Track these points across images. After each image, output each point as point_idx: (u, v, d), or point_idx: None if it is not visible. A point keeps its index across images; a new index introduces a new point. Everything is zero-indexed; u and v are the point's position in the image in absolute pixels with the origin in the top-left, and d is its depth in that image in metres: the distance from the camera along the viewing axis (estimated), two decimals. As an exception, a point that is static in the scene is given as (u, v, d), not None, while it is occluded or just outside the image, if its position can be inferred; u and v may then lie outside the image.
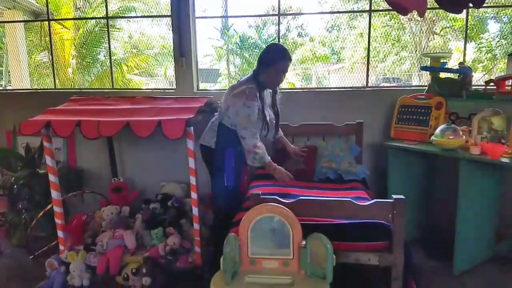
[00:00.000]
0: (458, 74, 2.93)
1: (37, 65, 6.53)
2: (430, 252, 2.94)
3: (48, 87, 4.50)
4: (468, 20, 3.36)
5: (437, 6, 2.01)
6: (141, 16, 5.95)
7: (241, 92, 2.42)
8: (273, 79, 2.49)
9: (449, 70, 2.96)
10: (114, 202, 3.06)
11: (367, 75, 3.38)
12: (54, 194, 2.63)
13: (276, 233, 1.82)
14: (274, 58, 2.46)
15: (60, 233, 2.66)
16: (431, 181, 3.20)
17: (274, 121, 2.67)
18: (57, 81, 4.00)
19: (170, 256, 2.50)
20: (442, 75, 3.05)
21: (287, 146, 2.91)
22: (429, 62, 3.06)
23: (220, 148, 2.56)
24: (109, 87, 4.01)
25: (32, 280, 2.65)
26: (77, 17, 6.93)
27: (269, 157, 2.50)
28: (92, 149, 3.60)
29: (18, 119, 2.56)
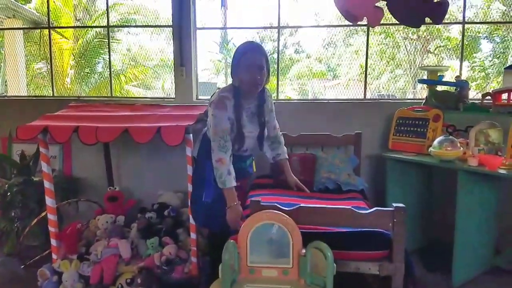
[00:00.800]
0: (455, 87, 2.96)
1: (35, 76, 6.52)
2: (429, 264, 2.92)
3: (46, 95, 4.48)
4: (464, 37, 3.42)
5: (431, 23, 2.05)
6: (142, 26, 5.99)
7: (212, 100, 2.17)
8: (245, 79, 2.10)
9: (446, 83, 3.00)
10: (110, 211, 3.02)
11: (365, 87, 3.42)
12: (49, 201, 2.60)
13: (276, 241, 1.79)
14: (239, 53, 2.14)
15: (53, 242, 2.61)
16: (429, 193, 3.21)
17: (256, 133, 2.29)
18: (55, 90, 3.99)
19: (166, 266, 2.46)
20: (439, 88, 3.08)
21: (287, 176, 2.54)
22: (426, 75, 3.09)
23: (200, 159, 2.35)
24: (108, 95, 4.00)
25: (24, 289, 2.59)
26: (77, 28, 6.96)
27: (234, 183, 2.09)
28: (89, 157, 3.58)
29: (14, 126, 2.52)
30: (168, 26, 3.70)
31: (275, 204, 1.93)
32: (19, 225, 3.11)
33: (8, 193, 3.13)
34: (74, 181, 3.57)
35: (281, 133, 2.54)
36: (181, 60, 3.46)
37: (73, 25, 6.67)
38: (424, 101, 3.11)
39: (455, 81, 2.95)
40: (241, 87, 2.15)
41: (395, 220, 1.82)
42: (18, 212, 3.19)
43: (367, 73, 3.43)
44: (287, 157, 2.53)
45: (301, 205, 1.95)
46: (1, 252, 3.17)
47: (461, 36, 3.46)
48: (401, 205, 1.83)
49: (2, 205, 3.14)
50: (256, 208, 1.87)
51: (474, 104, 2.82)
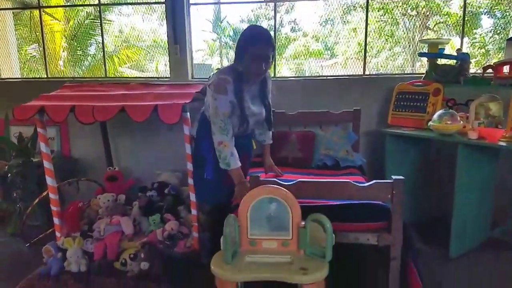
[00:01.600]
0: (455, 61, 2.94)
1: (28, 59, 6.44)
2: (427, 237, 2.95)
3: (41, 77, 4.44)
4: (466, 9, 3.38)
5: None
6: (134, 3, 5.89)
7: (212, 83, 2.15)
8: (251, 67, 2.08)
9: (447, 56, 2.97)
10: (110, 191, 3.02)
11: (364, 62, 3.39)
12: (49, 180, 2.60)
13: (275, 215, 1.81)
14: (249, 43, 2.08)
15: (56, 220, 2.63)
16: (428, 168, 3.22)
17: (262, 116, 2.33)
18: (48, 72, 3.95)
19: (168, 241, 2.48)
20: (440, 61, 3.05)
21: (265, 158, 2.63)
22: (426, 49, 3.06)
23: (199, 138, 2.39)
24: (102, 76, 3.97)
25: (29, 267, 2.61)
26: (67, 9, 6.82)
27: (238, 163, 2.15)
28: (86, 138, 3.57)
29: (11, 108, 2.51)
30: (161, 2, 3.63)
31: (275, 179, 1.95)
32: (21, 206, 3.13)
33: (8, 175, 3.14)
34: (73, 162, 3.58)
35: (273, 109, 2.52)
36: (175, 38, 3.40)
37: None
38: (424, 75, 3.08)
39: (456, 54, 2.92)
40: (244, 72, 2.13)
41: (394, 192, 1.84)
42: (20, 193, 3.21)
43: (366, 50, 3.40)
44: (271, 142, 2.62)
45: (300, 179, 1.97)
46: (5, 232, 3.20)
47: (461, 12, 3.40)
48: (400, 177, 1.85)
49: (3, 186, 3.16)
50: (256, 184, 1.89)
51: (475, 77, 2.81)
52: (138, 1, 6.25)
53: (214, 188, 2.31)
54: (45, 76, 3.95)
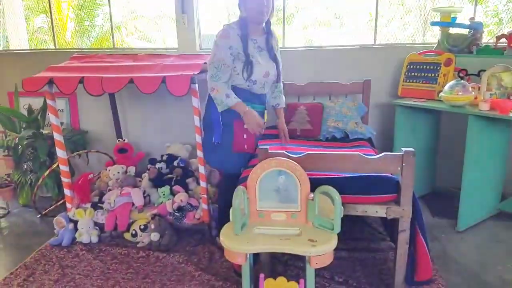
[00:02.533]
0: (468, 30, 2.85)
1: (35, 31, 6.37)
2: (435, 210, 2.96)
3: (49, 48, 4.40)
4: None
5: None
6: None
7: (218, 32, 2.19)
8: (252, 6, 2.12)
9: (460, 25, 2.87)
10: (120, 163, 3.07)
11: (375, 31, 3.30)
12: (60, 152, 2.64)
13: (284, 187, 1.82)
14: None
15: (67, 191, 2.68)
16: (438, 140, 3.20)
17: (272, 71, 2.29)
18: (56, 44, 3.92)
19: (178, 212, 2.53)
20: (452, 30, 2.96)
21: (280, 122, 2.59)
22: (439, 17, 2.97)
23: (208, 102, 2.33)
24: (110, 47, 3.93)
25: (41, 237, 2.69)
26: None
27: (237, 99, 2.16)
28: (95, 111, 3.58)
29: (20, 80, 2.51)
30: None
31: (283, 152, 1.94)
32: (32, 177, 3.18)
33: (19, 146, 3.17)
34: (82, 134, 3.60)
35: (282, 81, 2.52)
36: (182, 7, 3.33)
37: (69, -26, 6.40)
38: (436, 45, 3.00)
39: (468, 23, 2.83)
40: (248, 16, 2.16)
41: (403, 164, 1.82)
42: (30, 165, 3.26)
43: (377, 18, 3.30)
44: (284, 106, 2.58)
45: (309, 152, 1.96)
46: (17, 203, 3.27)
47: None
48: (410, 149, 1.82)
49: (14, 158, 3.20)
50: (264, 156, 1.89)
51: (488, 46, 2.72)
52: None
53: (223, 154, 2.30)
54: (53, 47, 3.91)
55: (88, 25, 6.81)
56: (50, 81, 2.42)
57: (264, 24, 2.24)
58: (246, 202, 1.80)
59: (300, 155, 1.90)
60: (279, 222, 1.82)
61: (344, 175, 1.96)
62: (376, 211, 1.92)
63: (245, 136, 2.28)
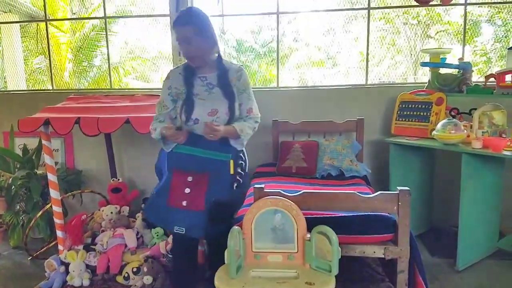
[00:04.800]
0: (458, 70, 2.93)
1: (33, 71, 6.50)
2: (433, 249, 2.92)
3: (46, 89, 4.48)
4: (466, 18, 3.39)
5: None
6: (140, 16, 5.95)
7: None
8: (184, 54, 1.99)
9: (449, 66, 2.96)
10: (114, 203, 3.02)
11: (367, 72, 3.39)
12: (53, 193, 2.61)
13: (280, 227, 1.80)
14: (173, 29, 2.01)
15: (59, 233, 2.63)
16: (433, 178, 3.20)
17: (223, 106, 1.96)
18: (54, 84, 3.98)
19: (171, 254, 2.46)
20: (442, 71, 3.05)
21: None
22: (428, 58, 3.07)
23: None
24: (107, 88, 3.99)
25: (31, 280, 2.61)
26: (73, 22, 6.91)
27: (162, 124, 1.97)
28: (90, 150, 3.58)
29: (16, 120, 2.52)
30: (166, 15, 3.66)
31: (279, 190, 1.93)
32: (25, 218, 3.12)
33: (12, 187, 3.14)
34: (76, 174, 3.57)
35: (258, 118, 2.07)
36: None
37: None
38: (426, 84, 3.08)
39: (458, 63, 2.93)
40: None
41: (400, 203, 1.82)
42: (23, 206, 3.21)
43: (368, 60, 3.40)
44: (237, 129, 1.94)
45: (305, 190, 1.96)
46: (8, 245, 3.19)
47: (462, 20, 3.41)
48: (405, 188, 1.83)
49: (6, 198, 3.15)
50: (260, 195, 1.88)
51: (477, 86, 2.80)
52: (143, 14, 6.33)
53: (157, 206, 1.98)
54: (51, 87, 3.96)
55: (86, 66, 6.96)
56: (46, 122, 2.43)
57: (214, 60, 2.03)
58: (242, 243, 1.77)
59: (296, 194, 1.90)
60: (276, 264, 1.78)
61: (340, 214, 1.95)
62: (374, 252, 1.89)
63: (187, 191, 1.92)
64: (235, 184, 1.96)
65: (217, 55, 2.03)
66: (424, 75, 4.79)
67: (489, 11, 6.61)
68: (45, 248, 3.05)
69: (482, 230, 2.71)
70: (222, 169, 1.95)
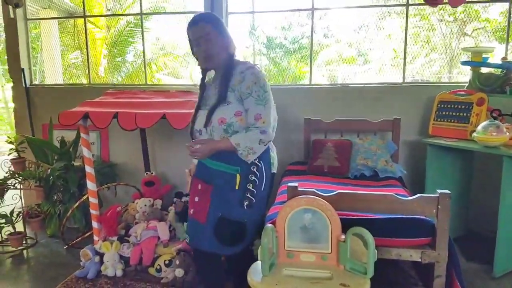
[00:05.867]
0: (500, 69, 2.81)
1: (69, 66, 6.70)
2: (469, 254, 2.82)
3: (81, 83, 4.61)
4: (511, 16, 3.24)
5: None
6: (174, 13, 6.03)
7: None
8: (196, 54, 1.87)
9: (491, 65, 2.85)
10: (147, 196, 3.09)
11: (404, 70, 3.30)
12: (90, 185, 2.68)
13: (310, 226, 1.78)
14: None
15: (94, 224, 2.71)
16: (471, 180, 3.09)
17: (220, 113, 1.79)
18: (90, 79, 4.09)
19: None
20: (483, 70, 2.93)
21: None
22: (468, 57, 2.95)
23: None
24: (142, 83, 4.06)
25: (67, 269, 2.70)
26: (108, 18, 7.08)
27: None
28: (125, 144, 3.66)
29: (54, 113, 2.61)
30: (199, 12, 3.68)
31: (313, 190, 1.91)
32: (61, 208, 3.23)
33: (50, 178, 3.25)
34: (111, 167, 3.67)
35: (266, 127, 1.78)
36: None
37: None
38: (467, 84, 2.97)
39: (501, 62, 2.80)
40: None
41: (439, 206, 1.77)
42: (60, 196, 3.32)
43: (399, 58, 3.31)
44: (232, 143, 1.77)
45: (340, 191, 1.93)
46: (45, 233, 3.31)
47: (501, 17, 3.27)
48: (446, 191, 1.77)
49: (45, 189, 3.27)
50: (294, 194, 1.86)
51: (522, 86, 2.68)
52: (177, 11, 6.40)
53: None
54: (86, 82, 4.08)
55: (119, 61, 7.13)
56: (85, 116, 2.50)
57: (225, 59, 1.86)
58: (275, 241, 1.77)
59: (332, 194, 1.87)
60: (309, 263, 1.76)
61: (377, 216, 1.91)
62: (411, 255, 1.84)
63: (196, 199, 1.88)
64: (246, 203, 1.79)
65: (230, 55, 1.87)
66: (460, 74, 4.61)
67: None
68: (80, 238, 3.15)
69: (523, 237, 2.59)
70: (228, 183, 1.81)
